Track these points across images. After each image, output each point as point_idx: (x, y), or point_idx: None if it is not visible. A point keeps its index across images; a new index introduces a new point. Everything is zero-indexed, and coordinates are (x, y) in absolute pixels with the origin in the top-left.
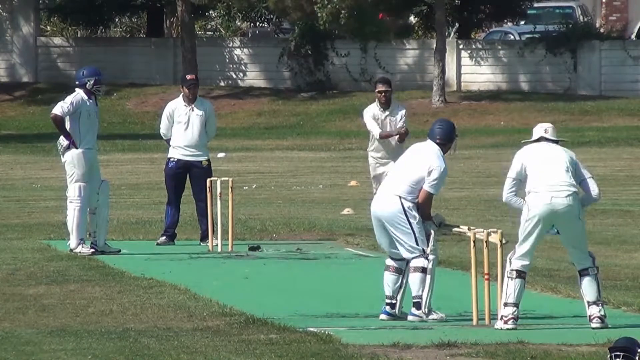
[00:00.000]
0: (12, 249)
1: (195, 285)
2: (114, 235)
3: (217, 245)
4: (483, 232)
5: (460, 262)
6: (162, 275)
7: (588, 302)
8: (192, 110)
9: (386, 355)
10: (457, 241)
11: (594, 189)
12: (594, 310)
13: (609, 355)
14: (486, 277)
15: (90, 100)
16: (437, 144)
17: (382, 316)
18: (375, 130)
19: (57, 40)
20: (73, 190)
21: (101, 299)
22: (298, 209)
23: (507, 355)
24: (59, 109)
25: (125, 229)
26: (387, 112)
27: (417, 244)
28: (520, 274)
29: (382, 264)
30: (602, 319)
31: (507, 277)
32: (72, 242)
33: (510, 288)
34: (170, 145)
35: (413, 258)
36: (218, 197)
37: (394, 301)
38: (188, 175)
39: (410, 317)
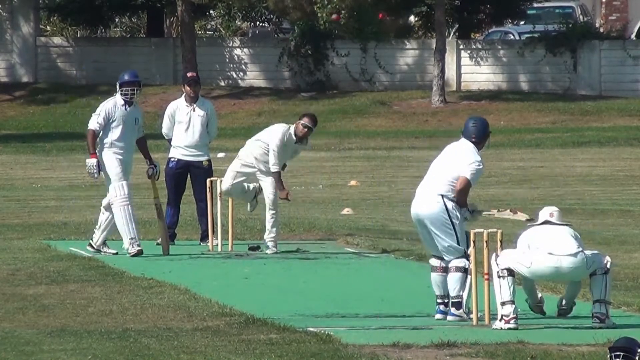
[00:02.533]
0: (12, 249)
1: (195, 285)
2: (114, 235)
3: (217, 245)
4: (509, 213)
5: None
6: (162, 275)
7: (593, 300)
8: (194, 110)
9: (386, 355)
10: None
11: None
12: (595, 309)
13: (609, 355)
14: (486, 277)
15: (125, 106)
16: (472, 142)
17: (438, 315)
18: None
19: (57, 40)
20: (114, 190)
21: (101, 299)
22: (298, 209)
23: (507, 355)
24: (94, 123)
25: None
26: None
27: (459, 244)
28: (511, 272)
29: (382, 264)
30: (600, 318)
31: (499, 277)
32: (125, 242)
33: (504, 287)
34: (171, 145)
35: (454, 258)
36: (218, 197)
37: (446, 300)
38: (189, 175)
39: (449, 317)
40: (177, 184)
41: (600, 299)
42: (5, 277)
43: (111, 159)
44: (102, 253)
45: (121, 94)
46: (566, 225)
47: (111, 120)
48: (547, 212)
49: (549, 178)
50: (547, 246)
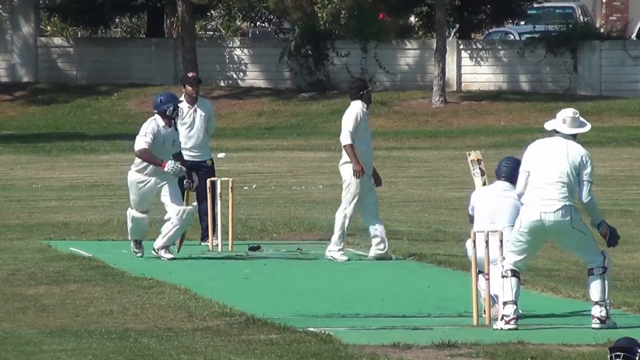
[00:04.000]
0: (12, 249)
1: (196, 286)
2: (114, 235)
3: (217, 245)
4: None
5: (460, 262)
6: (163, 276)
7: (592, 301)
8: (195, 111)
9: (386, 356)
10: (458, 241)
11: (583, 194)
12: (595, 311)
13: (609, 356)
14: (487, 277)
15: (167, 127)
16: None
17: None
18: None
19: (58, 41)
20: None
21: (101, 299)
22: (298, 209)
23: (507, 355)
24: (142, 143)
25: (125, 229)
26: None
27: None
28: (515, 272)
29: (382, 264)
30: (601, 319)
31: (503, 276)
32: (158, 242)
33: (507, 286)
34: None
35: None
36: (218, 197)
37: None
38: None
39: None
40: (182, 185)
41: (600, 300)
42: (6, 277)
43: (133, 184)
44: (161, 258)
45: (173, 116)
46: (576, 139)
47: (155, 141)
48: (561, 118)
49: None
50: (531, 199)
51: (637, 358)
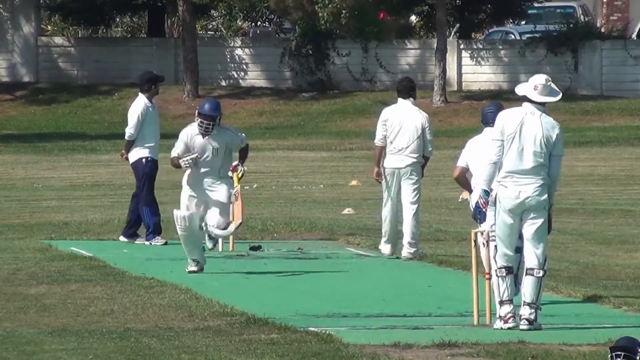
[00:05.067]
0: (13, 248)
1: (196, 285)
2: (115, 235)
3: (218, 245)
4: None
5: (460, 261)
6: (163, 275)
7: (524, 301)
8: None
9: (387, 355)
10: (458, 241)
11: (554, 169)
12: (525, 312)
13: (609, 355)
14: (487, 276)
15: (200, 135)
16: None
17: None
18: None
19: (58, 40)
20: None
21: (102, 298)
22: (299, 209)
23: (508, 355)
24: (174, 152)
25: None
26: None
27: None
28: (509, 270)
29: (382, 264)
30: (529, 321)
31: (497, 276)
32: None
33: (502, 286)
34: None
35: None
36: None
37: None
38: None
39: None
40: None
41: (532, 302)
42: (7, 277)
43: (185, 189)
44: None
45: (198, 125)
46: (546, 108)
47: (191, 149)
48: (532, 85)
49: None
50: (507, 179)
51: (637, 358)
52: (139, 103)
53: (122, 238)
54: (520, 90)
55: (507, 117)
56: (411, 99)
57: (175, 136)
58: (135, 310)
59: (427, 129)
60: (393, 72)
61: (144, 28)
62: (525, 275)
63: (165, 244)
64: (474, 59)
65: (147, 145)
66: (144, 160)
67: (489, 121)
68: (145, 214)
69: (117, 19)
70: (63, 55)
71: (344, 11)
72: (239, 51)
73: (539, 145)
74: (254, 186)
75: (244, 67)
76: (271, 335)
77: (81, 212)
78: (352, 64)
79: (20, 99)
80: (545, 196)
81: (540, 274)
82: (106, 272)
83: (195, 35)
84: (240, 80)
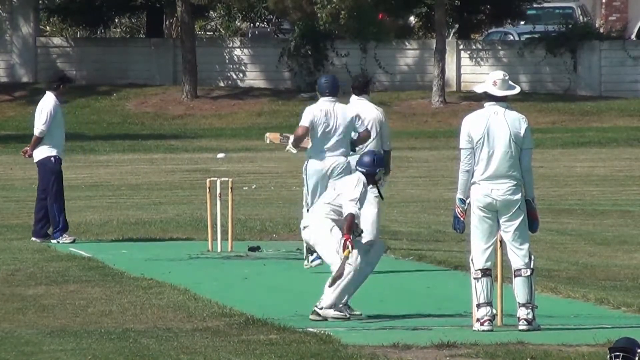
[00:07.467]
0: (11, 249)
1: (195, 286)
2: (114, 235)
3: (216, 245)
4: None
5: (460, 262)
6: (162, 276)
7: (519, 303)
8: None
9: (386, 356)
10: (457, 241)
11: (525, 162)
12: (522, 313)
13: (608, 356)
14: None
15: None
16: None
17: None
18: None
19: (57, 41)
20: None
21: (101, 299)
22: (298, 210)
23: (506, 355)
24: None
25: (125, 229)
26: None
27: None
28: (486, 272)
29: (382, 264)
30: (528, 321)
31: (473, 278)
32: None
33: (479, 289)
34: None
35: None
36: (218, 198)
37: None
38: None
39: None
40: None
41: (527, 302)
42: (5, 278)
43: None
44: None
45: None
46: (510, 104)
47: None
48: (491, 81)
49: (549, 178)
50: (481, 178)
51: (636, 358)
52: (49, 101)
53: (34, 239)
54: (479, 88)
55: (472, 123)
56: (366, 95)
57: (175, 136)
58: (133, 311)
59: (384, 123)
60: (392, 72)
61: (143, 29)
62: (514, 277)
63: (74, 241)
64: (473, 60)
65: (55, 143)
66: (52, 158)
67: None
68: (54, 210)
69: (116, 20)
70: (62, 55)
71: (342, 12)
72: (237, 52)
73: (508, 145)
74: (253, 187)
75: (243, 67)
76: (270, 336)
77: (80, 213)
78: (351, 64)
79: (19, 100)
80: (519, 195)
81: (528, 273)
82: (105, 272)
83: (193, 36)
84: (239, 81)
